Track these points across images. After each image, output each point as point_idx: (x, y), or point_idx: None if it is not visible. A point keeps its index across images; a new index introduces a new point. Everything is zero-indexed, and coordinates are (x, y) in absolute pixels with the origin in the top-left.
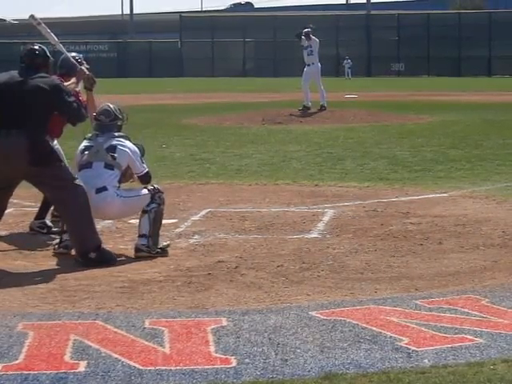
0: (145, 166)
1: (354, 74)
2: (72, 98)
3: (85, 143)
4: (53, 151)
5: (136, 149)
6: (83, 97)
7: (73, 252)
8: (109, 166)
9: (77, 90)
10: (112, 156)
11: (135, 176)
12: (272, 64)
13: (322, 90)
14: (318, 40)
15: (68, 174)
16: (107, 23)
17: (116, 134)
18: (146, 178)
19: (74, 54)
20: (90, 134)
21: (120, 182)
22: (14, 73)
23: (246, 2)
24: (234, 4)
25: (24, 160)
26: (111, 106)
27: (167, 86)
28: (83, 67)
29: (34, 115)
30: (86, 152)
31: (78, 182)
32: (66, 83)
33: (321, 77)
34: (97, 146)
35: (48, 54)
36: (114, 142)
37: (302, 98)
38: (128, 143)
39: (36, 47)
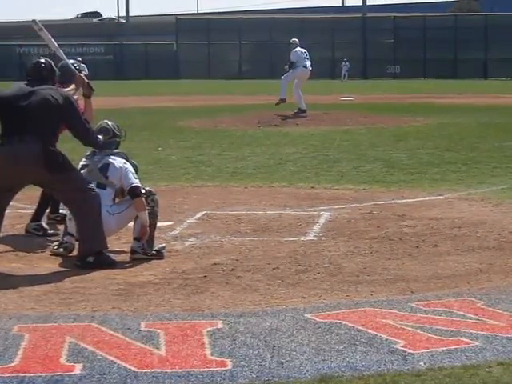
0: (136, 180)
1: (349, 76)
2: (82, 116)
3: (82, 162)
4: (65, 157)
5: (128, 165)
6: (81, 104)
7: (70, 254)
8: (101, 186)
9: (75, 97)
10: (105, 175)
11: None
12: (268, 66)
13: (283, 86)
14: (296, 50)
15: (82, 179)
16: (103, 25)
17: (113, 151)
18: (133, 192)
19: (72, 61)
20: (88, 152)
21: (114, 199)
22: (23, 85)
23: (94, 12)
24: (81, 13)
25: (39, 165)
26: (109, 123)
27: (163, 88)
28: (82, 74)
29: (44, 124)
30: (82, 171)
31: (91, 186)
32: (65, 89)
33: (291, 78)
34: (91, 165)
35: (54, 67)
36: (108, 161)
37: (296, 100)
38: (120, 160)
39: (42, 60)
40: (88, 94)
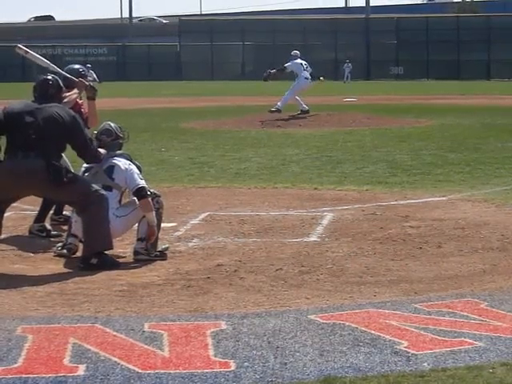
0: (142, 181)
1: (352, 78)
2: (88, 135)
3: (86, 164)
4: (68, 170)
5: (133, 167)
6: (85, 108)
7: (73, 256)
8: (107, 188)
9: (80, 101)
10: (110, 177)
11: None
12: (271, 67)
13: (285, 98)
14: (296, 61)
15: (86, 184)
16: (106, 27)
17: (116, 153)
18: (139, 193)
19: (77, 66)
20: None
21: (120, 201)
22: (29, 102)
23: (47, 15)
24: (35, 17)
25: (43, 180)
26: (112, 124)
27: (166, 89)
28: (81, 79)
29: (49, 141)
30: (87, 174)
31: (98, 190)
32: (68, 94)
33: (297, 90)
34: (96, 167)
35: (61, 84)
36: (113, 162)
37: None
38: (125, 161)
39: (49, 77)
40: (92, 95)
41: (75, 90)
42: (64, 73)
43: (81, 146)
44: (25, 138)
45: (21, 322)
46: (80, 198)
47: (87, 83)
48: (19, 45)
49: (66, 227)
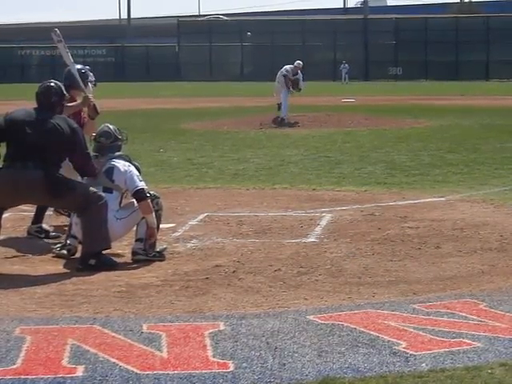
0: (141, 183)
1: (351, 78)
2: (87, 149)
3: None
4: (67, 180)
5: (132, 168)
6: (85, 115)
7: (72, 257)
8: (107, 190)
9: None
10: (110, 179)
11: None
12: (270, 68)
13: (284, 106)
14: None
15: (84, 188)
16: (105, 28)
17: (115, 154)
18: (138, 195)
19: (79, 66)
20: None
21: (121, 203)
22: (31, 110)
23: None
24: None
25: (41, 191)
26: (111, 126)
27: (165, 90)
28: (90, 96)
29: (48, 153)
30: (86, 178)
31: (97, 192)
32: (71, 104)
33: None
34: None
35: (64, 91)
36: (112, 164)
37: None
38: (124, 163)
39: (52, 84)
40: (93, 116)
41: (77, 103)
42: (78, 78)
43: (78, 160)
44: (24, 148)
45: (19, 323)
46: (79, 200)
47: (93, 102)
48: (57, 29)
49: (66, 228)
